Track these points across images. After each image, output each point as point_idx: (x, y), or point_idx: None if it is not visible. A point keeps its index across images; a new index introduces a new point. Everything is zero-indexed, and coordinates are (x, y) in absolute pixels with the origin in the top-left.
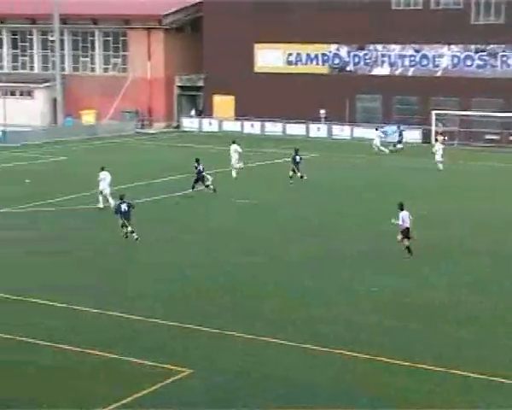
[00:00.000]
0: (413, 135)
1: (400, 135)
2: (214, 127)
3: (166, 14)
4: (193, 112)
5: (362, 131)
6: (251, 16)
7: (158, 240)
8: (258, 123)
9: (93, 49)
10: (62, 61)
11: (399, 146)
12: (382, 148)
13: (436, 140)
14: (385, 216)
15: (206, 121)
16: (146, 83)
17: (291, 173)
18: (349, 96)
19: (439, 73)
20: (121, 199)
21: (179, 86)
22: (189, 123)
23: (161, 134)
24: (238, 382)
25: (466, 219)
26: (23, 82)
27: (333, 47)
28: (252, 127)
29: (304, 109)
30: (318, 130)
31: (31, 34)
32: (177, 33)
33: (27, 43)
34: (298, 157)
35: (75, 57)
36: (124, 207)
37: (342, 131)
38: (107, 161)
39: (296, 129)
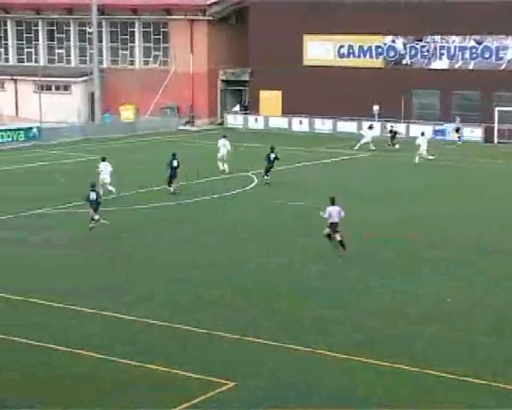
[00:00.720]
0: (474, 133)
1: (458, 132)
2: (260, 124)
3: (210, 4)
4: (237, 108)
5: (418, 129)
6: (300, 6)
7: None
8: (307, 120)
9: (132, 41)
10: (100, 54)
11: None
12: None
13: (423, 134)
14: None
15: (251, 118)
16: (188, 77)
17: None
18: (405, 92)
19: (502, 67)
20: (92, 187)
21: (223, 81)
22: (234, 120)
23: (204, 131)
24: (285, 393)
25: None
26: (59, 76)
27: (388, 38)
28: (300, 124)
29: (356, 105)
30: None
31: (67, 26)
32: (222, 24)
33: (64, 35)
34: (272, 155)
35: (114, 50)
36: (93, 195)
37: (396, 129)
38: (148, 159)
39: (347, 126)
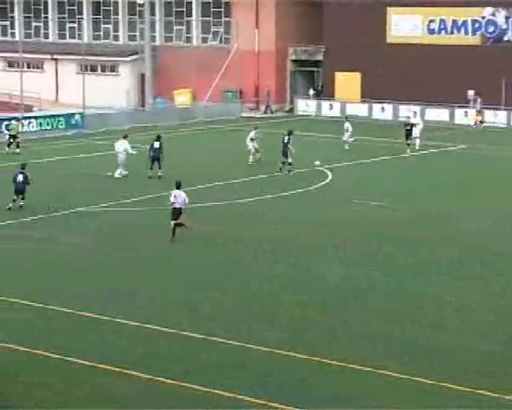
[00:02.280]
0: None
1: None
2: (335, 111)
3: None
4: (310, 92)
5: None
6: None
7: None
8: (390, 106)
9: (189, 14)
10: (152, 30)
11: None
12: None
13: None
14: None
15: (325, 104)
16: (253, 56)
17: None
18: (506, 74)
19: None
20: (22, 168)
21: (293, 61)
22: (305, 106)
23: (271, 119)
24: None
25: None
26: (105, 55)
27: (487, 11)
28: (382, 111)
29: (448, 90)
30: (465, 115)
31: None
32: None
33: (111, 8)
34: (287, 138)
35: (168, 25)
36: (20, 177)
37: (496, 118)
38: (208, 150)
39: (438, 114)
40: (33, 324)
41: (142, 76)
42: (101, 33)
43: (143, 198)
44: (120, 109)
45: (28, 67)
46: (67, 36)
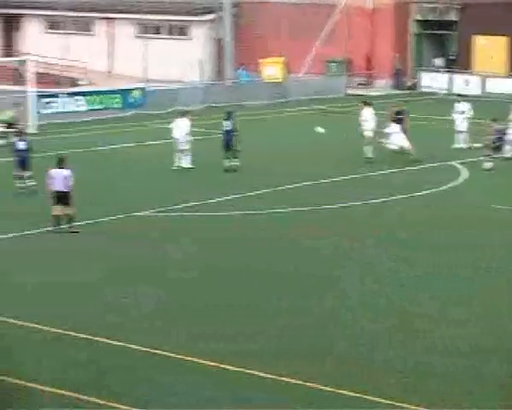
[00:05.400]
0: None
1: None
2: (474, 88)
3: None
4: (439, 62)
5: None
6: None
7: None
8: None
9: None
10: None
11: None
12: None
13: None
14: None
15: (459, 78)
16: (365, 15)
17: None
18: None
19: None
20: (19, 135)
21: (418, 21)
22: (432, 80)
23: (388, 98)
24: None
25: None
26: (172, 13)
27: None
28: None
29: None
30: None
31: None
32: None
33: None
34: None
35: None
36: (21, 145)
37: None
38: (307, 138)
39: None
40: None
41: (220, 41)
42: None
43: (228, 198)
44: (192, 84)
45: (73, 30)
46: None
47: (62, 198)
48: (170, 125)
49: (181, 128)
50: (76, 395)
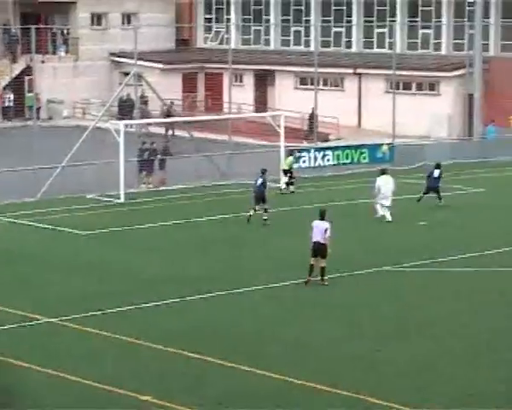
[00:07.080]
0: None
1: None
2: None
3: None
4: None
5: None
6: None
7: None
8: None
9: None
10: (485, 37)
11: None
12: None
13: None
14: None
15: None
16: None
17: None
18: None
19: None
20: (262, 173)
21: None
22: None
23: None
24: None
25: None
26: (423, 69)
27: None
28: None
29: None
30: None
31: None
32: None
33: (432, 8)
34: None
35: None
36: (259, 181)
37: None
38: None
39: None
40: None
41: (470, 97)
42: (419, 40)
43: (463, 256)
44: (439, 140)
45: (324, 85)
46: (375, 44)
47: (318, 250)
48: (377, 183)
49: (386, 186)
50: None
